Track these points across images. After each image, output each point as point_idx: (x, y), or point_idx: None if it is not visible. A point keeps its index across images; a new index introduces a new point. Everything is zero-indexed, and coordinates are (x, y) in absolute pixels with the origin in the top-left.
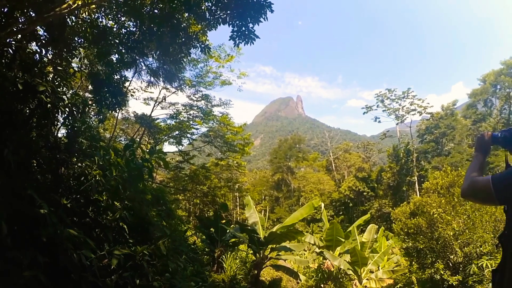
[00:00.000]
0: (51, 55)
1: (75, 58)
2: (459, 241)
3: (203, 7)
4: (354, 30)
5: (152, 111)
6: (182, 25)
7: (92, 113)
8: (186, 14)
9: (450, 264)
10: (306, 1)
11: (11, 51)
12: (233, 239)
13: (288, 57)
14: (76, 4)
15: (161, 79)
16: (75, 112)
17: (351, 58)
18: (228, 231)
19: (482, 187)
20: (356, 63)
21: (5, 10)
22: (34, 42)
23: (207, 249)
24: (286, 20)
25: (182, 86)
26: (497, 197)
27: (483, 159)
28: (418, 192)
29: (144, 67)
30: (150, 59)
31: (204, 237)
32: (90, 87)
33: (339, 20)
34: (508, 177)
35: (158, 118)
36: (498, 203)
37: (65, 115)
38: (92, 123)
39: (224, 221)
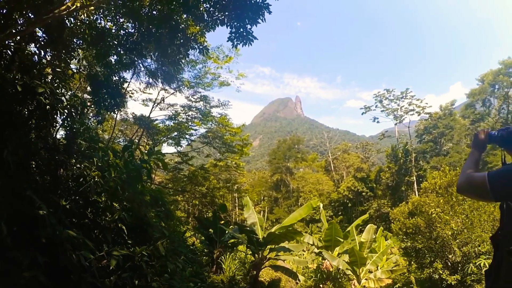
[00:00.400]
0: (50, 57)
1: (74, 59)
2: (457, 240)
3: (201, 9)
4: (353, 31)
5: (150, 112)
6: (181, 27)
7: (91, 114)
8: (185, 16)
9: (449, 264)
10: (305, 2)
11: (10, 53)
12: (232, 240)
13: (287, 58)
14: (74, 6)
15: (159, 80)
16: (73, 114)
17: (350, 59)
18: (227, 231)
19: (478, 183)
20: (355, 64)
21: (4, 11)
22: (33, 44)
23: (206, 250)
24: (285, 21)
25: (181, 87)
26: (492, 194)
27: (478, 156)
28: (416, 192)
29: (142, 69)
30: (149, 60)
31: (203, 238)
32: (88, 88)
33: (338, 20)
34: (504, 175)
35: (156, 119)
36: (493, 199)
37: (64, 116)
38: (91, 124)
39: (223, 222)
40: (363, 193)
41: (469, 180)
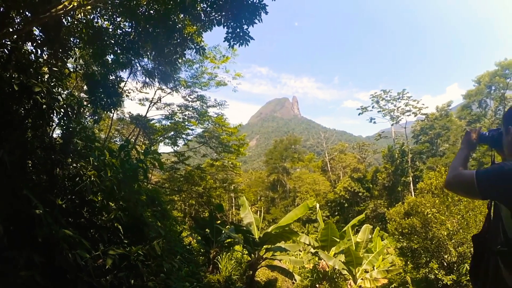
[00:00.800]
0: (46, 56)
1: (71, 58)
2: (453, 240)
3: (198, 8)
4: (351, 32)
5: (147, 112)
6: (177, 26)
7: (87, 113)
8: (182, 15)
9: (445, 264)
10: (303, 2)
11: (6, 52)
12: (228, 240)
13: (285, 58)
14: (71, 5)
15: (156, 79)
16: (70, 113)
17: (348, 59)
18: (223, 231)
19: (466, 180)
20: (352, 64)
21: (1, 10)
22: (30, 43)
23: (202, 250)
24: (282, 21)
25: (177, 87)
26: (480, 192)
27: (468, 154)
28: (413, 193)
29: (139, 68)
30: (146, 60)
31: (199, 237)
32: (85, 87)
33: (336, 21)
34: (493, 173)
35: (153, 119)
36: (480, 197)
37: (60, 115)
38: (87, 123)
39: (219, 221)
40: (360, 194)
41: (458, 177)
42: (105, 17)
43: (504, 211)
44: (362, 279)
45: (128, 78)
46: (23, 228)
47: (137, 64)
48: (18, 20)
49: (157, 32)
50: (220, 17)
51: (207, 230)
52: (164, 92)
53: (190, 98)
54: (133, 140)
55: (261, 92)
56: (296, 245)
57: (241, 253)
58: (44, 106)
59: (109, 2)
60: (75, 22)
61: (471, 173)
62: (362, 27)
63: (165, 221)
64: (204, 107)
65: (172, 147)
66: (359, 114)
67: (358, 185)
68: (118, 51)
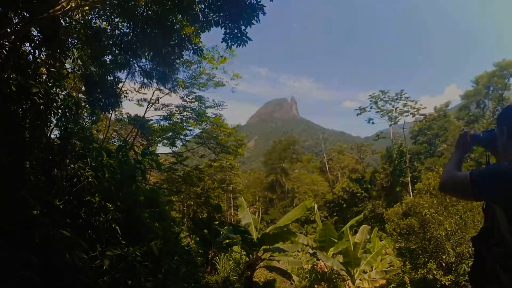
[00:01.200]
0: (44, 56)
1: (69, 59)
2: (451, 241)
3: (196, 9)
4: (350, 32)
5: (145, 113)
6: (175, 27)
7: (85, 114)
8: (180, 16)
9: (443, 264)
10: (301, 3)
11: (4, 52)
12: (227, 241)
13: (284, 58)
14: (69, 6)
15: (154, 80)
16: (68, 114)
17: (347, 60)
18: (221, 232)
19: (460, 181)
20: (351, 65)
21: None
22: (28, 43)
23: (200, 251)
24: (281, 21)
25: (176, 88)
26: (473, 193)
27: (462, 156)
28: (411, 193)
29: (137, 69)
30: (144, 60)
31: (197, 238)
32: (83, 88)
33: (335, 22)
34: (486, 174)
35: (151, 120)
36: (474, 198)
37: (58, 116)
38: (85, 124)
39: (217, 222)
40: (358, 194)
41: (452, 179)
42: (103, 17)
43: (498, 212)
44: (360, 279)
45: (126, 78)
46: (20, 229)
47: (135, 65)
48: (16, 20)
49: (155, 33)
50: (218, 17)
51: (205, 230)
52: (162, 93)
53: (188, 98)
54: (131, 141)
55: (260, 92)
56: (294, 246)
57: (239, 254)
58: (42, 106)
59: (107, 2)
60: (73, 23)
61: (465, 174)
62: (361, 28)
63: (163, 222)
64: (202, 108)
65: (170, 148)
66: (357, 114)
67: (356, 186)
68: (116, 52)
